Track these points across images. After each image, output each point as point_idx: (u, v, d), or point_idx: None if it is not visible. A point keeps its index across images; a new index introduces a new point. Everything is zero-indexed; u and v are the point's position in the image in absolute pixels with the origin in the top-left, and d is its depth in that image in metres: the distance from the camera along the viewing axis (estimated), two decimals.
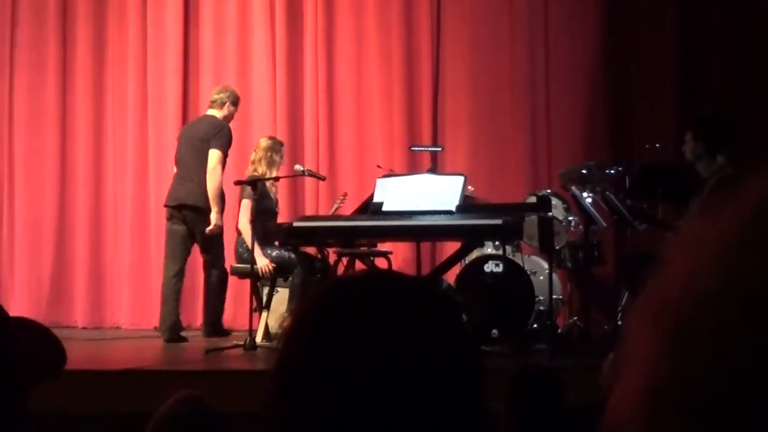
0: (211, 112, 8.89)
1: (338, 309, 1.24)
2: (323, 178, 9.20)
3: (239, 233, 8.42)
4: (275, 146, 8.53)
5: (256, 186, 8.27)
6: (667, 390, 0.78)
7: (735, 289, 0.77)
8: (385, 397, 1.16)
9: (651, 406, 0.80)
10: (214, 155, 8.48)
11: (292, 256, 8.23)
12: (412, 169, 9.22)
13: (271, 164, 8.43)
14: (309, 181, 9.66)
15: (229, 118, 8.84)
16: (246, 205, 8.30)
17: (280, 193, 9.27)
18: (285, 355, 1.23)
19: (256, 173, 8.44)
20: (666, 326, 0.80)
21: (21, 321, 1.78)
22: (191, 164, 8.58)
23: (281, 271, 8.33)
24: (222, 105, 8.86)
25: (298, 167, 8.85)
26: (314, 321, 1.25)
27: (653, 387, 0.80)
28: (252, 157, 8.58)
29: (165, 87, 10.17)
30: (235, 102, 8.91)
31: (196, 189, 8.49)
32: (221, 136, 8.60)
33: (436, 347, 1.21)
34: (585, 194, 7.94)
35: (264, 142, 8.59)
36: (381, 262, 7.96)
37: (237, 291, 9.36)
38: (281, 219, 8.81)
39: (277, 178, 8.66)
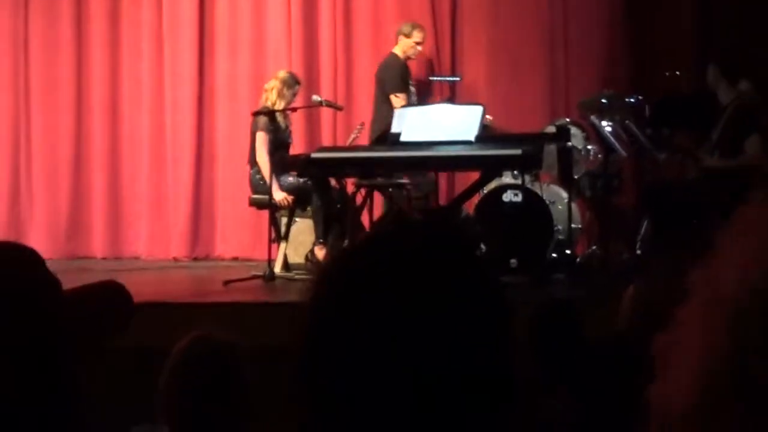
0: (394, 49, 9.00)
1: (364, 265, 1.23)
2: (341, 108, 9.16)
3: (252, 165, 8.39)
4: (289, 81, 8.49)
5: (274, 117, 8.24)
6: (723, 379, 0.78)
7: None
8: (414, 349, 1.15)
9: (706, 393, 0.79)
10: (393, 101, 8.62)
11: (309, 184, 8.20)
12: (431, 98, 9.14)
13: (280, 96, 8.40)
14: (326, 111, 9.60)
15: (407, 51, 8.88)
16: (261, 137, 8.26)
17: (297, 123, 9.25)
18: (311, 316, 1.23)
19: (267, 102, 8.41)
20: (721, 316, 0.78)
21: (93, 286, 1.81)
22: (374, 103, 8.82)
23: (299, 201, 8.33)
24: (396, 38, 8.96)
25: (315, 98, 8.80)
26: (341, 277, 1.24)
27: (709, 375, 0.79)
28: (266, 85, 8.56)
29: (180, 13, 10.08)
30: (408, 33, 8.89)
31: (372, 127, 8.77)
32: (390, 78, 8.78)
33: (463, 298, 1.20)
34: (604, 123, 7.91)
35: (281, 74, 8.58)
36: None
37: (255, 222, 9.37)
38: (298, 149, 8.80)
39: (294, 109, 8.63)
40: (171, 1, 10.10)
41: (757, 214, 0.83)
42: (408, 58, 8.87)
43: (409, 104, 8.59)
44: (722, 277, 0.81)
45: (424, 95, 9.07)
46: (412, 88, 8.89)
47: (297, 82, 8.60)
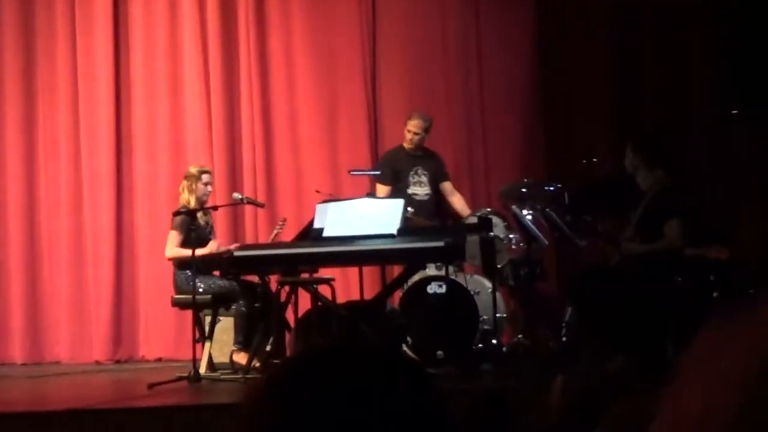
0: None
1: (304, 390, 1.22)
2: (262, 206, 9.16)
3: (175, 264, 8.37)
4: (194, 174, 8.49)
5: (193, 216, 8.23)
6: None
7: (753, 424, 0.76)
8: None
9: None
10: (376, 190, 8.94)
11: (234, 284, 8.20)
12: (352, 193, 9.06)
13: (191, 192, 8.42)
14: (249, 209, 9.63)
15: (405, 139, 8.94)
16: (172, 236, 8.33)
17: (219, 221, 9.24)
18: None
19: (183, 202, 8.44)
20: None
21: None
22: None
23: (223, 300, 8.31)
24: None
25: (236, 195, 8.80)
26: (279, 402, 1.23)
27: None
28: (179, 187, 8.60)
29: (97, 116, 10.06)
30: (406, 121, 8.93)
31: None
32: (378, 167, 9.12)
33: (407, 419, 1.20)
34: (525, 212, 8.00)
35: (189, 170, 8.58)
36: (324, 289, 7.94)
37: (179, 322, 9.31)
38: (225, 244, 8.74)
39: (215, 207, 8.63)
40: (87, 101, 10.06)
41: (717, 339, 0.84)
42: (409, 146, 8.93)
43: (397, 192, 8.71)
44: (685, 408, 0.82)
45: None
46: (417, 176, 8.92)
47: (204, 172, 8.57)
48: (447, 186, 9.00)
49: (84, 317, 9.94)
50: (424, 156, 8.99)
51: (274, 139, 9.97)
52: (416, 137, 8.86)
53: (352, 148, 9.82)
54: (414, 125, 8.85)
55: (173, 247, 8.27)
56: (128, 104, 10.12)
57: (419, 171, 8.93)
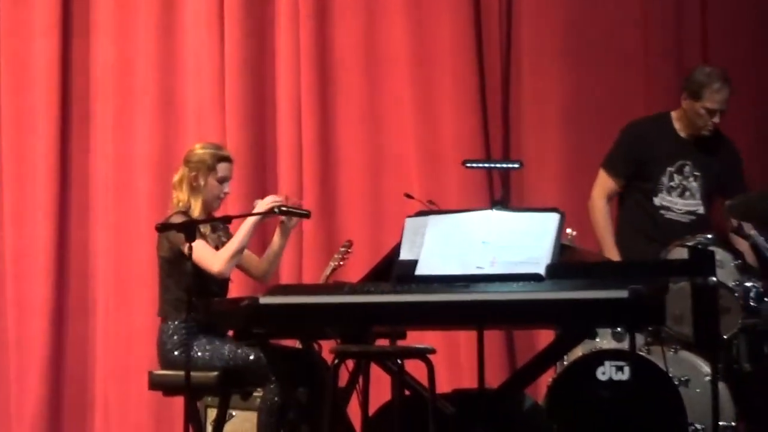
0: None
1: None
2: (307, 215, 8.89)
3: (165, 318, 8.23)
4: (208, 160, 8.34)
5: (192, 233, 7.91)
6: None
7: None
8: None
9: None
10: (598, 178, 9.08)
11: (260, 356, 7.99)
12: (466, 201, 9.18)
13: (196, 192, 8.28)
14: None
15: (691, 119, 8.73)
16: (201, 246, 8.09)
17: None
18: None
19: (179, 206, 8.29)
20: None
21: None
22: None
23: (239, 381, 8.16)
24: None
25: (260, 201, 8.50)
26: None
27: None
28: (174, 179, 8.45)
29: (31, 55, 10.40)
30: (697, 90, 8.62)
31: None
32: (614, 145, 9.05)
33: None
34: None
35: (192, 153, 8.45)
36: (416, 367, 7.64)
37: (160, 415, 9.72)
38: (237, 291, 8.63)
39: (227, 219, 8.34)
40: (14, 29, 10.49)
41: None
42: (692, 131, 8.74)
43: (633, 196, 8.86)
44: None
45: None
46: (681, 177, 8.78)
47: (221, 158, 8.42)
48: None
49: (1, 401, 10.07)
50: (702, 143, 8.79)
51: (334, 103, 10.04)
52: (717, 119, 8.62)
53: (467, 125, 9.74)
54: (719, 100, 8.59)
55: (216, 255, 8.13)
56: (84, 37, 10.46)
57: (686, 169, 8.78)
